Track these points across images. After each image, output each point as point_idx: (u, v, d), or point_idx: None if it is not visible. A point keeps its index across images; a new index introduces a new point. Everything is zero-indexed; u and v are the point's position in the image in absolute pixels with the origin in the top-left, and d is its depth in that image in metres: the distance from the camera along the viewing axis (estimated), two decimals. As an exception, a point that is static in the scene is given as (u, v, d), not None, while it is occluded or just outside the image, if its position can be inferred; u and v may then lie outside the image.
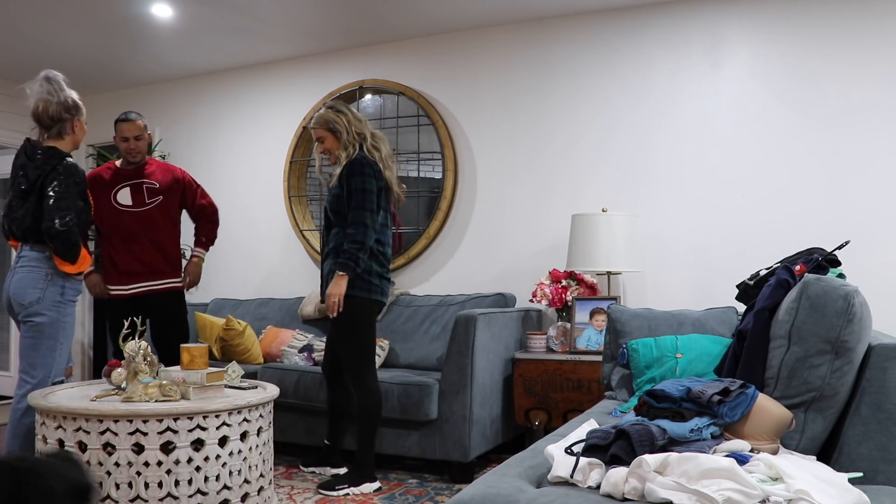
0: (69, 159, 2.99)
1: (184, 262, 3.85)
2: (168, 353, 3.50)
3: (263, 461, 2.67)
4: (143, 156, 3.68)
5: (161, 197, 3.66)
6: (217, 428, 2.47)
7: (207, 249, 3.90)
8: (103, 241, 3.65)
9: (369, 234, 3.12)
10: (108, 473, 2.36)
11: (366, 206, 3.12)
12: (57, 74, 3.03)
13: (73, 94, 3.06)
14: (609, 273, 3.76)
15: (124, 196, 3.61)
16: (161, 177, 3.71)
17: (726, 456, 1.50)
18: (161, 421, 2.39)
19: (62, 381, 2.99)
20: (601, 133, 4.11)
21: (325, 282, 3.26)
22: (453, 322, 3.47)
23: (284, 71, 5.05)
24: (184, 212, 3.85)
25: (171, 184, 3.72)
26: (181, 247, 3.83)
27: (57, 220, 2.85)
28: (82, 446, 2.39)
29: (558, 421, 3.50)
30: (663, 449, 1.56)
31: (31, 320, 2.90)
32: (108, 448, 2.38)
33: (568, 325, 3.77)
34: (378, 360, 3.94)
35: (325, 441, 3.52)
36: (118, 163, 3.71)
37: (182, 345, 2.73)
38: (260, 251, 5.06)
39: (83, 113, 3.09)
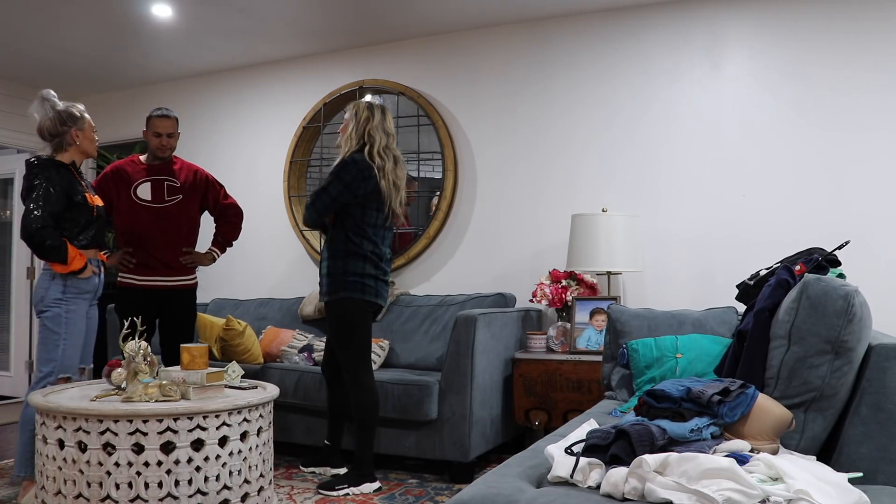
0: (52, 165, 3.07)
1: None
2: (174, 356, 3.49)
3: (263, 461, 2.67)
4: (171, 153, 3.68)
5: (181, 196, 3.66)
6: (217, 428, 2.47)
7: (223, 250, 3.87)
8: (120, 234, 3.64)
9: (306, 220, 3.25)
10: (108, 473, 2.36)
11: (316, 202, 3.17)
12: (49, 92, 3.13)
13: (76, 107, 3.15)
14: (609, 273, 3.76)
15: (144, 191, 3.61)
16: (184, 176, 3.70)
17: (726, 456, 1.50)
18: (161, 421, 2.38)
19: (69, 378, 3.08)
20: (602, 133, 4.11)
21: (323, 282, 3.26)
22: (453, 322, 3.47)
23: (284, 71, 5.05)
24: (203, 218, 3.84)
25: (193, 184, 3.71)
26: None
27: (24, 227, 2.99)
28: (82, 446, 2.39)
29: (558, 421, 3.50)
30: (663, 449, 1.56)
31: (39, 317, 3.12)
32: (108, 448, 2.38)
33: (568, 325, 3.77)
34: (378, 360, 3.94)
35: (326, 441, 3.52)
36: (142, 157, 3.70)
37: (182, 345, 2.73)
38: (260, 251, 5.06)
39: (84, 121, 3.15)
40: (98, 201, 3.25)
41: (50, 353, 3.06)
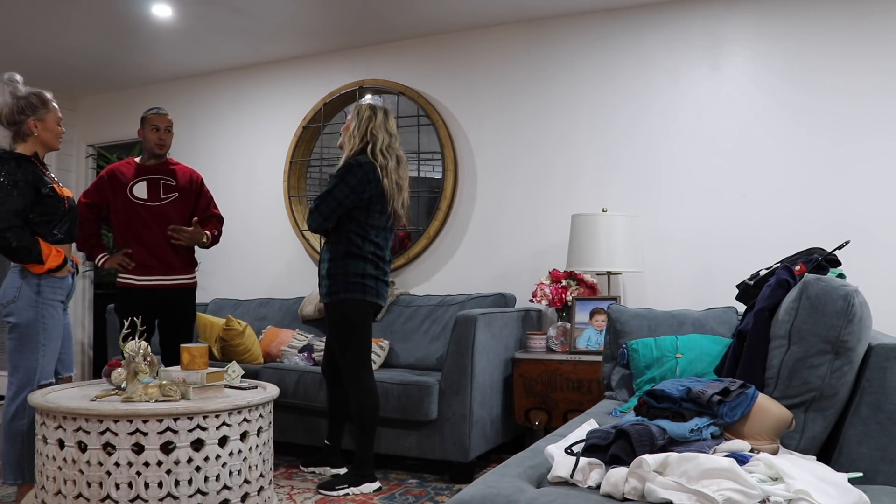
0: (12, 157, 2.82)
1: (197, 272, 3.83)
2: (174, 356, 3.49)
3: (263, 461, 2.67)
4: (168, 149, 3.69)
5: (176, 194, 3.67)
6: (217, 428, 2.47)
7: (210, 240, 3.73)
8: (118, 234, 3.65)
9: (311, 225, 3.21)
10: (108, 473, 2.36)
11: (321, 206, 3.14)
12: (13, 75, 2.89)
13: (40, 95, 2.90)
14: (609, 273, 3.76)
15: (140, 189, 3.62)
16: (180, 176, 3.72)
17: (726, 456, 1.50)
18: (161, 421, 2.38)
19: (51, 384, 2.89)
20: (602, 133, 4.11)
21: (323, 283, 3.26)
22: (453, 322, 3.47)
23: (284, 71, 5.05)
24: None
25: (188, 184, 3.73)
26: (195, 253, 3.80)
27: None
28: (82, 446, 2.39)
29: (558, 421, 3.50)
30: (663, 449, 1.56)
31: (8, 320, 2.84)
32: (108, 448, 2.38)
33: (568, 325, 3.77)
34: (378, 360, 3.94)
35: (326, 441, 3.53)
36: (137, 159, 3.72)
37: (182, 345, 2.73)
38: (260, 251, 5.06)
39: (45, 111, 2.90)
40: (68, 192, 2.99)
41: (26, 361, 2.80)
